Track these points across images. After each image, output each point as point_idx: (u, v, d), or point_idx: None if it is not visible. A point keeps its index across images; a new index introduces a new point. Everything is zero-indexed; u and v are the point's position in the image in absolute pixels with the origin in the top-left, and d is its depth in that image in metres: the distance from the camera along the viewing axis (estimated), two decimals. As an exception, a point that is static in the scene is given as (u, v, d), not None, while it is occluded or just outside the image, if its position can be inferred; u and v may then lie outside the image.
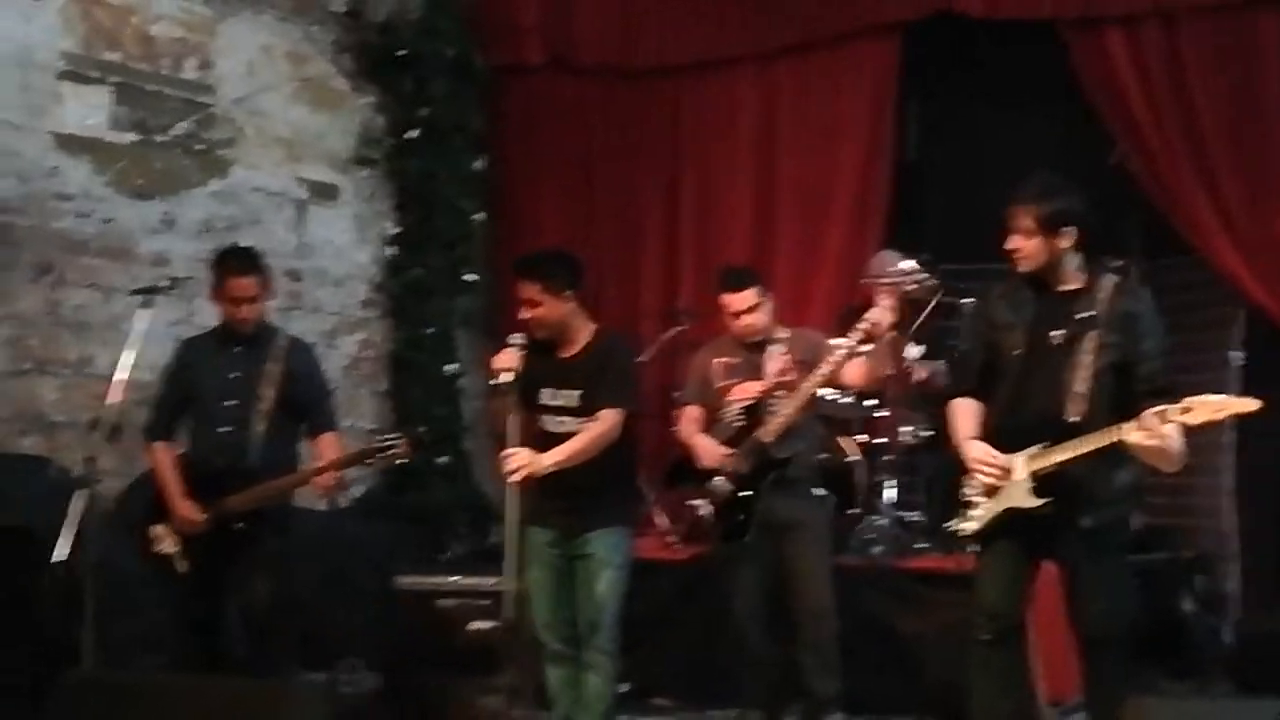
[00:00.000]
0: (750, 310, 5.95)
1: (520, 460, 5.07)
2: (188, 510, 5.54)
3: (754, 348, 6.00)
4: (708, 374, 6.11)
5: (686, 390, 6.33)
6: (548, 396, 5.33)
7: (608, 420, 5.22)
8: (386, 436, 5.65)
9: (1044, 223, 4.72)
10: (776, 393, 5.83)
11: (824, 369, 5.71)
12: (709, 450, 5.95)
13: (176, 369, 5.89)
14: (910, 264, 6.90)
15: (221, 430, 5.67)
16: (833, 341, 5.69)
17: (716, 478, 5.91)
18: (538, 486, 5.10)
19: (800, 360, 5.85)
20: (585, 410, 5.27)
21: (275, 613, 5.60)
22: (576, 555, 5.33)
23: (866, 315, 5.57)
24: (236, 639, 5.53)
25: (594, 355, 5.36)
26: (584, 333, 5.41)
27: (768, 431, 5.80)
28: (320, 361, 6.18)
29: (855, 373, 5.77)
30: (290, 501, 5.86)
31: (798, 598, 5.91)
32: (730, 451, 5.89)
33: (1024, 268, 4.79)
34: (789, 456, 5.81)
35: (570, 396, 5.31)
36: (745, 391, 5.93)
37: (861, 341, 5.60)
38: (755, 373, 5.93)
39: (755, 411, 5.86)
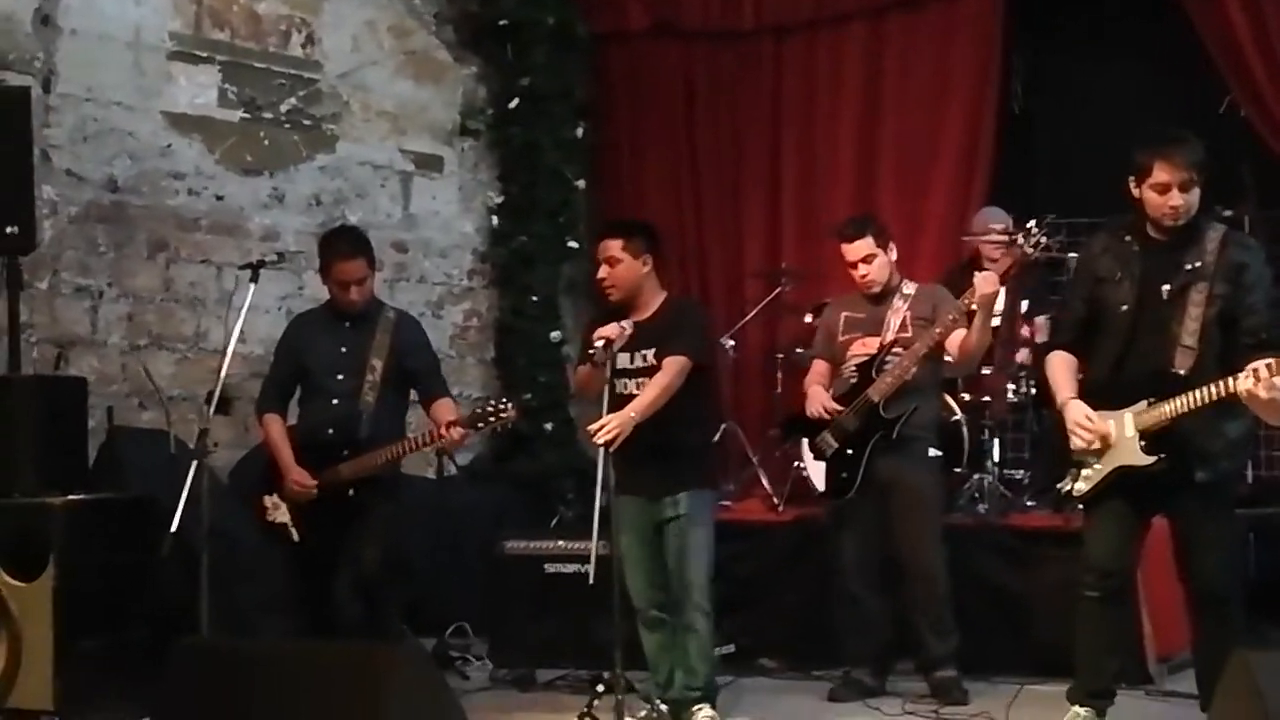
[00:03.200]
0: (866, 260, 5.91)
1: (612, 430, 5.10)
2: (299, 477, 5.66)
3: (878, 302, 5.96)
4: (834, 328, 6.10)
5: (815, 343, 6.35)
6: (623, 361, 5.36)
7: (673, 367, 5.27)
8: (496, 401, 5.72)
9: (1199, 175, 4.63)
10: (894, 350, 5.80)
11: (936, 330, 5.67)
12: (817, 402, 5.95)
13: (287, 345, 6.01)
14: (1007, 220, 6.86)
15: (333, 403, 5.78)
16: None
17: (824, 433, 5.90)
18: (622, 453, 5.12)
19: (920, 317, 5.82)
20: (658, 370, 5.32)
21: (386, 577, 5.70)
22: (664, 519, 5.38)
23: (974, 282, 5.49)
24: (348, 605, 5.63)
25: (666, 316, 5.43)
26: (656, 298, 5.47)
27: (877, 389, 5.78)
28: (428, 333, 6.27)
29: (954, 342, 5.73)
30: (400, 469, 5.97)
31: (905, 559, 5.90)
32: (840, 408, 5.88)
33: (1178, 221, 4.67)
34: (897, 416, 5.78)
35: (644, 356, 5.35)
36: (863, 347, 5.92)
37: (968, 309, 5.54)
38: (877, 328, 5.90)
39: (870, 368, 5.84)
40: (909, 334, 5.80)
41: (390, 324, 5.88)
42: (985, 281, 5.44)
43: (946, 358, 5.86)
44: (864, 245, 5.90)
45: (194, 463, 5.20)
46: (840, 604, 6.04)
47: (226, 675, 4.17)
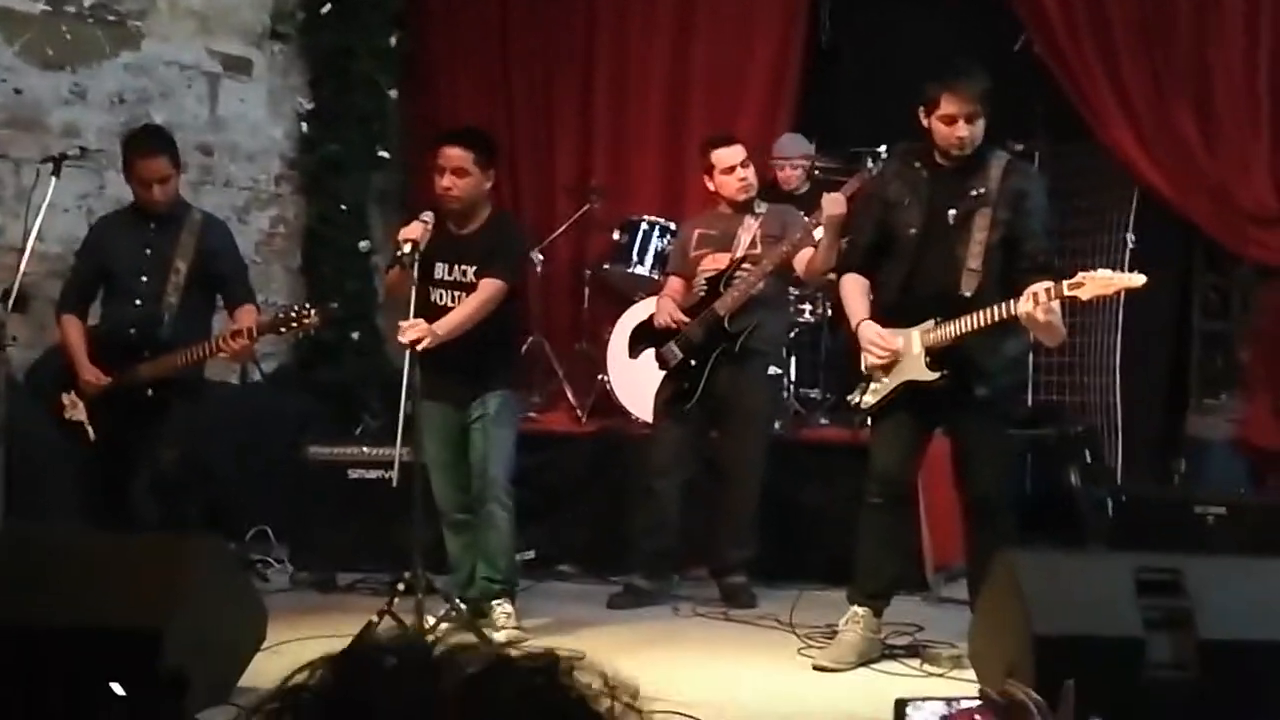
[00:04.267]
0: (744, 164, 6.06)
1: (419, 330, 5.18)
2: (91, 374, 5.62)
3: (731, 220, 6.10)
4: (687, 244, 6.24)
5: (670, 259, 6.48)
6: (442, 271, 5.46)
7: (487, 289, 5.38)
8: (299, 305, 5.72)
9: (984, 107, 4.83)
10: (743, 266, 5.95)
11: (784, 247, 5.84)
12: (663, 312, 6.11)
13: (90, 246, 5.96)
14: (808, 147, 7.06)
15: (136, 304, 5.74)
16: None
17: (670, 342, 6.05)
18: (431, 362, 5.21)
19: (770, 235, 5.98)
20: (477, 287, 5.42)
21: (184, 478, 5.71)
22: (469, 421, 5.50)
23: (821, 203, 5.65)
24: (144, 506, 5.62)
25: (488, 233, 5.51)
26: (485, 212, 5.56)
27: (723, 303, 5.93)
28: (233, 237, 6.24)
29: (801, 261, 5.90)
30: (203, 372, 5.95)
31: (726, 468, 6.10)
32: (687, 319, 6.02)
33: (964, 150, 4.89)
34: (741, 330, 5.94)
35: (464, 272, 5.45)
36: (713, 263, 6.06)
37: (815, 227, 5.72)
38: (728, 244, 6.06)
39: (718, 283, 5.98)
40: (758, 251, 5.96)
41: (196, 226, 5.85)
42: (832, 203, 5.59)
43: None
44: (740, 150, 6.08)
45: (-9, 359, 5.13)
46: (642, 502, 6.20)
47: (27, 563, 4.14)
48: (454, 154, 5.43)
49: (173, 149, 5.83)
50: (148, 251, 5.79)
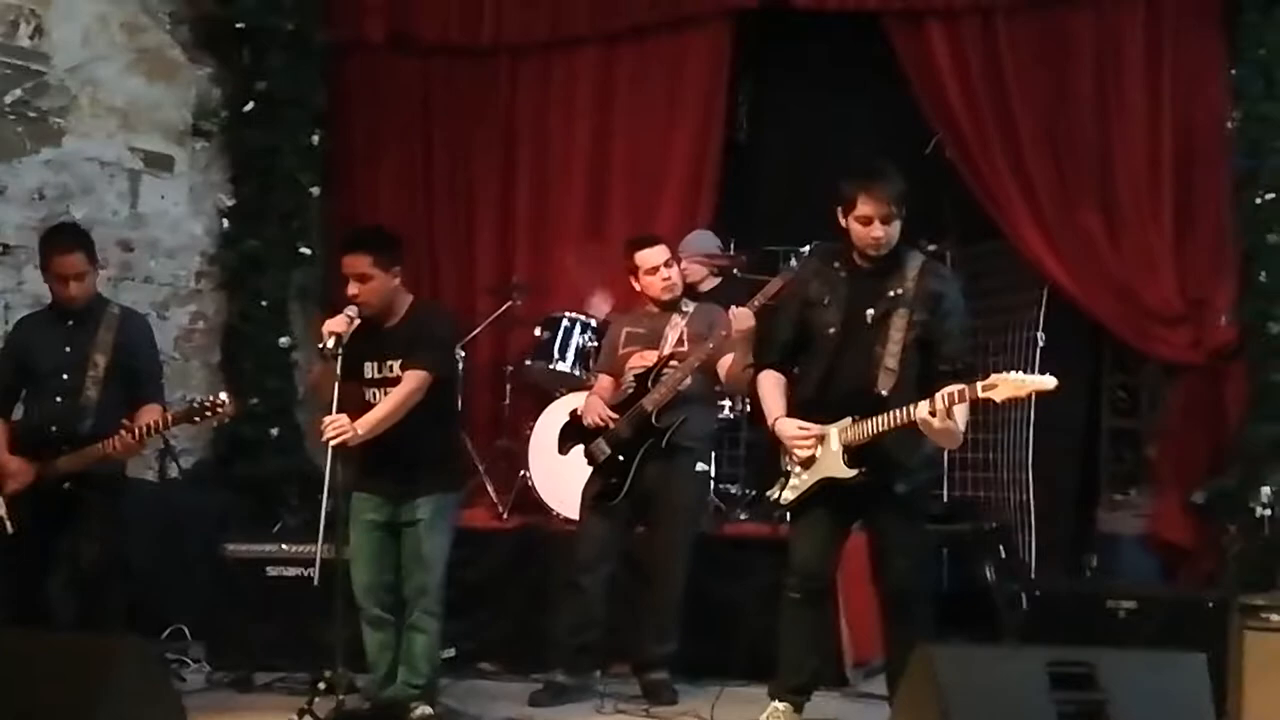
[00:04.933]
0: (667, 264, 6.18)
1: (339, 426, 5.18)
2: (14, 465, 5.63)
3: (659, 318, 6.19)
4: (615, 342, 6.31)
5: (599, 358, 6.55)
6: (370, 370, 5.46)
7: (411, 381, 5.35)
8: (212, 396, 5.73)
9: (900, 208, 4.95)
10: (670, 363, 6.02)
11: (709, 344, 5.92)
12: (592, 409, 6.15)
13: (10, 348, 6.02)
14: (717, 244, 7.19)
15: (56, 400, 5.78)
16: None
17: (598, 439, 6.09)
18: (363, 454, 5.21)
19: (697, 333, 6.06)
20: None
21: (105, 575, 5.69)
22: (403, 521, 5.47)
23: (730, 316, 5.77)
24: (63, 603, 5.57)
25: (410, 324, 5.50)
26: (404, 304, 5.54)
27: (650, 399, 5.99)
28: (152, 333, 6.27)
29: (724, 364, 5.99)
30: (123, 468, 5.92)
31: (650, 564, 6.12)
32: (615, 416, 6.07)
33: (880, 251, 5.00)
34: (667, 426, 5.99)
35: (390, 367, 5.44)
36: (641, 360, 6.14)
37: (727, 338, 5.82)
38: (655, 342, 6.14)
39: (646, 379, 6.04)
40: (685, 349, 6.04)
41: (114, 320, 5.90)
42: (741, 317, 5.76)
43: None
44: (664, 251, 6.19)
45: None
46: (563, 596, 6.19)
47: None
48: (353, 261, 5.40)
49: (88, 245, 5.88)
50: (67, 349, 5.82)
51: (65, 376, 5.78)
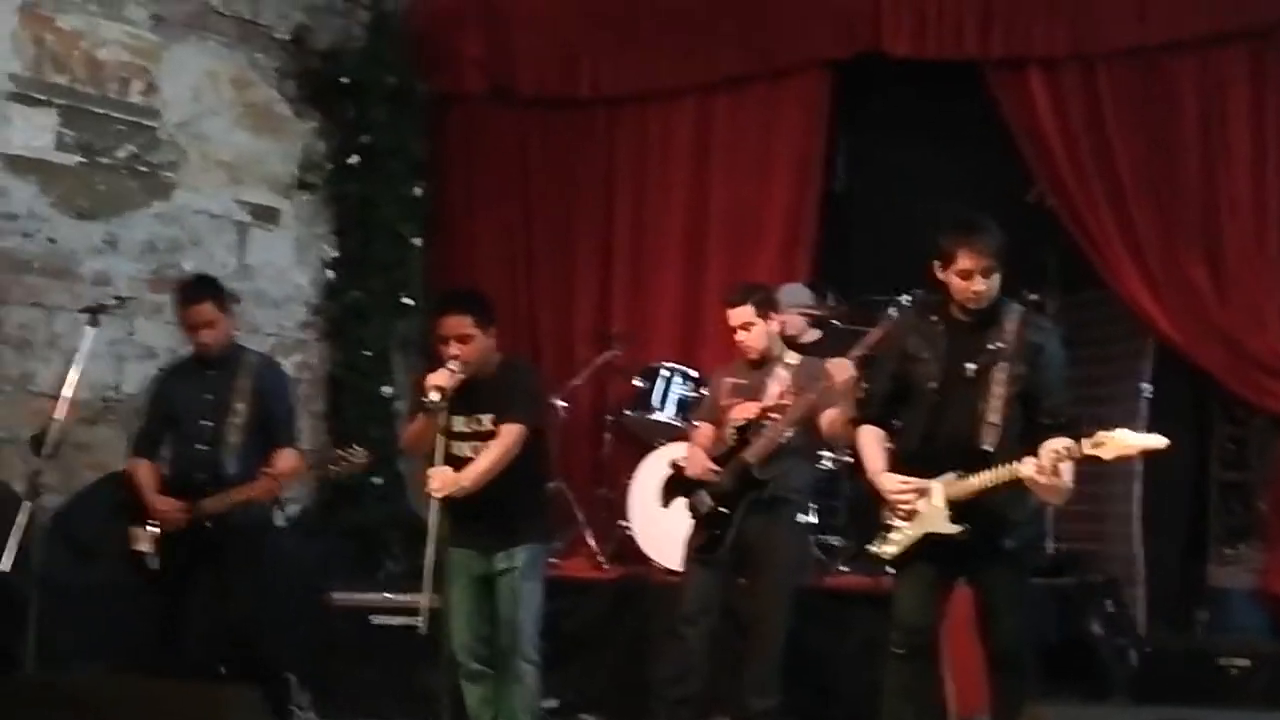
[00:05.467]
0: (744, 327, 6.13)
1: (445, 479, 5.23)
2: (167, 505, 5.84)
3: (763, 369, 6.17)
4: (718, 393, 6.30)
5: (701, 407, 6.54)
6: (459, 424, 5.49)
7: (510, 435, 5.41)
8: (346, 446, 5.95)
9: (999, 261, 4.92)
10: (771, 415, 6.01)
11: (809, 396, 5.90)
12: (695, 462, 6.14)
13: (155, 397, 6.23)
14: (805, 296, 7.17)
15: (199, 447, 5.98)
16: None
17: (700, 491, 6.09)
18: (457, 508, 5.24)
19: (800, 386, 6.01)
20: (496, 434, 5.46)
21: (247, 620, 5.94)
22: (496, 572, 5.51)
23: (828, 368, 5.76)
24: (201, 644, 5.83)
25: (501, 379, 5.55)
26: (494, 361, 5.59)
27: (752, 452, 5.96)
28: (288, 380, 6.54)
29: (826, 417, 5.95)
30: (270, 515, 6.20)
31: (750, 617, 6.09)
32: (717, 468, 6.07)
33: (980, 305, 4.96)
34: (769, 478, 5.97)
35: (480, 421, 5.49)
36: (743, 411, 6.11)
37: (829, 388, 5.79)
38: (758, 394, 6.10)
39: (748, 431, 6.03)
40: (787, 401, 6.01)
41: (252, 368, 6.11)
42: (838, 368, 5.72)
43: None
44: (743, 313, 6.14)
45: (25, 505, 5.20)
46: (668, 648, 6.16)
47: (48, 711, 4.17)
48: (456, 322, 5.44)
49: (217, 295, 6.08)
50: (208, 396, 6.04)
51: (207, 423, 5.99)
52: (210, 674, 5.68)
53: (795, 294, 7.46)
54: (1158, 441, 4.54)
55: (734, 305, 6.18)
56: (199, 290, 6.08)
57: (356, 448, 5.83)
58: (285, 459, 5.94)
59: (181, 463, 6.04)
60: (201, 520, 5.84)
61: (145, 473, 6.01)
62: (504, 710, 5.54)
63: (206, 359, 6.06)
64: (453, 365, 5.36)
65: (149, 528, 5.90)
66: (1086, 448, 4.57)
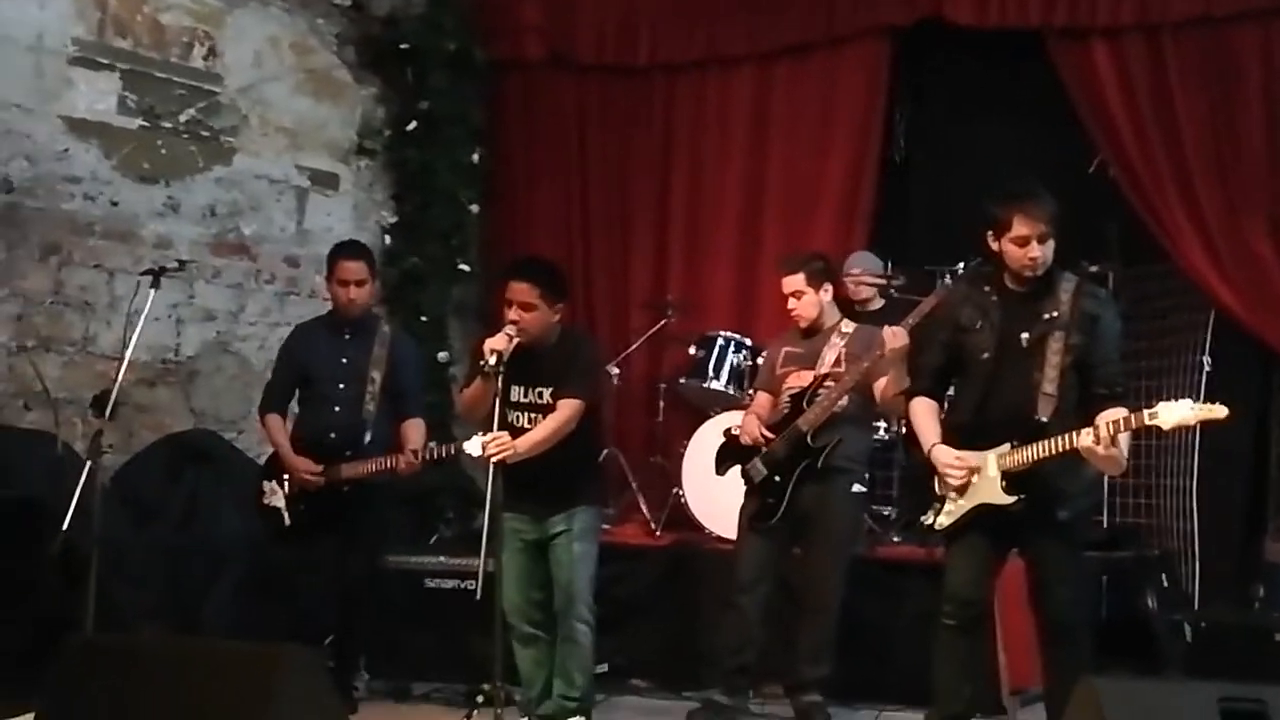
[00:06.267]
0: (795, 295, 6.13)
1: (502, 443, 5.24)
2: (304, 464, 6.04)
3: (818, 339, 6.16)
4: (774, 361, 6.30)
5: (758, 376, 6.56)
6: (517, 394, 5.53)
7: (566, 410, 5.46)
8: (450, 442, 6.08)
9: (1054, 228, 4.89)
10: (826, 383, 6.01)
11: (863, 364, 5.89)
12: (749, 430, 6.14)
13: (289, 352, 6.41)
14: (878, 265, 7.13)
15: (335, 410, 6.14)
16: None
17: (755, 459, 6.10)
18: (511, 475, 5.26)
19: (853, 354, 6.01)
20: (554, 408, 5.49)
21: (366, 585, 6.18)
22: (550, 536, 5.55)
23: (883, 336, 5.73)
24: (320, 603, 6.16)
25: (561, 351, 5.56)
26: (555, 333, 5.60)
27: (806, 420, 5.96)
28: (419, 353, 6.75)
29: (879, 385, 5.94)
30: (394, 485, 6.27)
31: (804, 587, 6.09)
32: (771, 436, 6.08)
33: (1036, 272, 4.92)
34: (823, 446, 5.97)
35: (539, 394, 5.53)
36: (797, 380, 6.11)
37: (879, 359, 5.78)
38: (813, 362, 6.10)
39: (802, 400, 6.03)
40: (842, 369, 6.01)
41: (387, 338, 6.27)
42: (893, 336, 5.67)
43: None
44: (794, 281, 6.14)
45: (87, 465, 5.27)
46: (724, 617, 6.15)
47: (115, 672, 4.22)
48: (520, 288, 5.44)
49: (370, 259, 6.30)
50: (344, 360, 6.19)
51: (343, 386, 6.14)
52: (311, 635, 5.90)
53: (865, 260, 7.43)
54: (1218, 411, 4.49)
55: (786, 273, 6.17)
56: (356, 249, 6.30)
57: (454, 445, 5.86)
58: (415, 430, 6.17)
59: (317, 423, 6.20)
60: (340, 484, 6.00)
61: (280, 429, 6.22)
62: (558, 671, 5.59)
63: (344, 321, 6.21)
64: (510, 330, 5.37)
65: (284, 485, 6.12)
66: (1145, 418, 4.54)
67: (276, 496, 6.14)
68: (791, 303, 6.15)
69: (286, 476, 6.15)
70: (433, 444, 6.15)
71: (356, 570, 6.12)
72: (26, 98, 7.15)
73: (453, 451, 5.77)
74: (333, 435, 6.11)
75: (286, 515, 6.11)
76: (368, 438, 6.07)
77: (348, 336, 6.23)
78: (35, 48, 7.17)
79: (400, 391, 6.24)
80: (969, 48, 7.90)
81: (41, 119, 7.21)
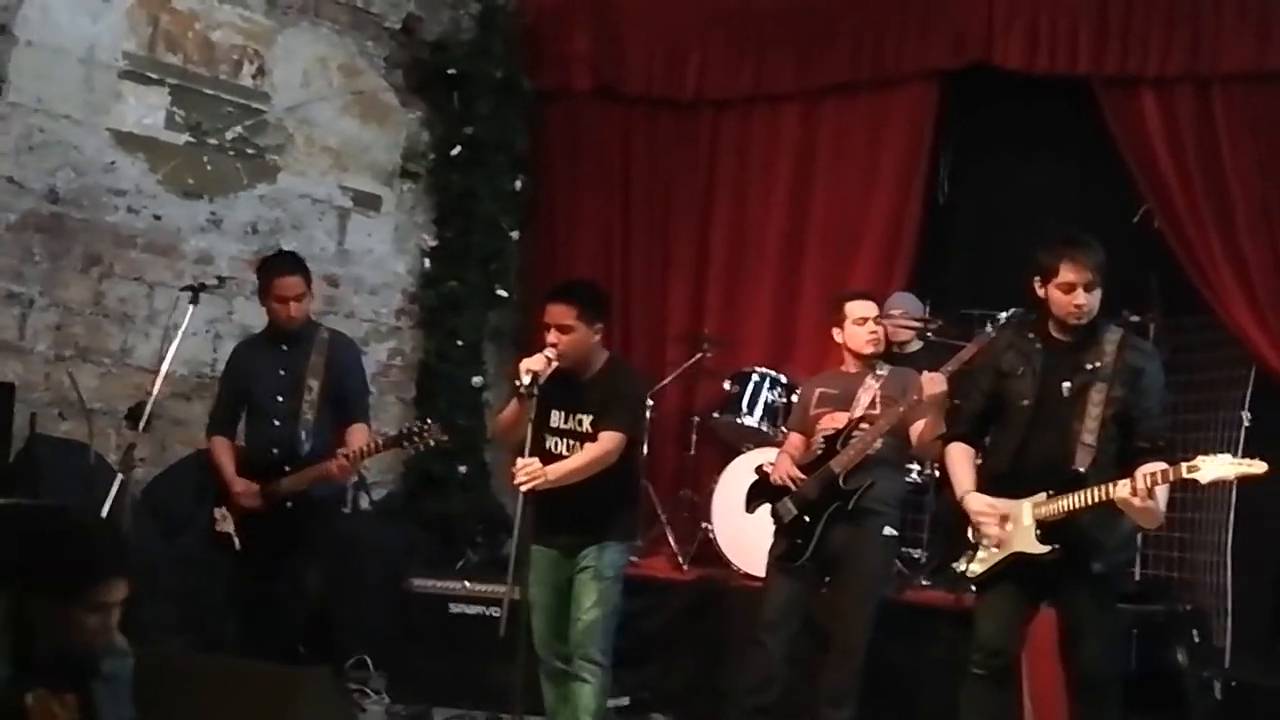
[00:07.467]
0: (876, 320, 6.09)
1: (532, 470, 5.17)
2: (242, 488, 5.90)
3: (853, 380, 6.11)
4: (808, 402, 6.25)
5: (791, 416, 6.52)
6: (557, 419, 5.45)
7: (608, 442, 5.34)
8: (421, 421, 5.94)
9: (1101, 277, 4.85)
10: (861, 425, 5.96)
11: (900, 407, 5.84)
12: (781, 468, 6.09)
13: (231, 372, 6.31)
14: (919, 306, 7.08)
15: (274, 424, 6.03)
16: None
17: (786, 499, 6.06)
18: (543, 505, 5.18)
19: (889, 397, 5.95)
20: (594, 437, 5.40)
21: (324, 599, 6.07)
22: (576, 571, 5.46)
23: (920, 381, 5.66)
24: (289, 618, 5.93)
25: (604, 381, 5.47)
26: (599, 360, 5.52)
27: (839, 462, 5.90)
28: (360, 354, 6.52)
29: (916, 429, 5.87)
30: (343, 493, 6.26)
31: (832, 628, 6.02)
32: (802, 476, 6.04)
33: (1081, 320, 4.88)
34: (855, 489, 5.91)
35: (580, 421, 5.44)
36: (831, 421, 6.07)
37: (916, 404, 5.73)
38: (847, 404, 6.04)
39: (836, 442, 5.98)
40: (877, 411, 5.95)
41: (324, 344, 6.14)
42: (931, 382, 5.60)
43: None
44: (874, 306, 6.13)
45: (118, 476, 5.29)
46: (748, 655, 6.08)
47: (136, 688, 4.22)
48: (557, 310, 5.37)
49: (305, 271, 6.16)
50: (282, 372, 6.09)
51: (282, 399, 6.04)
52: (290, 655, 5.74)
53: (906, 301, 7.39)
54: (1256, 466, 4.44)
55: (862, 299, 6.15)
56: (291, 263, 6.15)
57: (431, 423, 5.83)
58: (357, 434, 6.02)
59: (258, 439, 6.11)
60: (281, 500, 5.91)
61: (225, 452, 6.08)
62: (569, 709, 5.51)
63: (282, 334, 6.11)
64: (549, 353, 5.30)
65: (233, 509, 5.99)
66: (1183, 471, 4.48)
67: (227, 522, 5.98)
68: (873, 326, 6.08)
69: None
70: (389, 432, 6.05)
71: (314, 586, 6.02)
72: (76, 109, 7.23)
73: (422, 434, 5.75)
74: (274, 451, 6.00)
75: (236, 540, 5.96)
76: (306, 448, 5.96)
77: (285, 348, 6.12)
78: (86, 60, 7.25)
79: (342, 397, 6.13)
80: (1016, 92, 7.86)
81: (90, 131, 7.28)
